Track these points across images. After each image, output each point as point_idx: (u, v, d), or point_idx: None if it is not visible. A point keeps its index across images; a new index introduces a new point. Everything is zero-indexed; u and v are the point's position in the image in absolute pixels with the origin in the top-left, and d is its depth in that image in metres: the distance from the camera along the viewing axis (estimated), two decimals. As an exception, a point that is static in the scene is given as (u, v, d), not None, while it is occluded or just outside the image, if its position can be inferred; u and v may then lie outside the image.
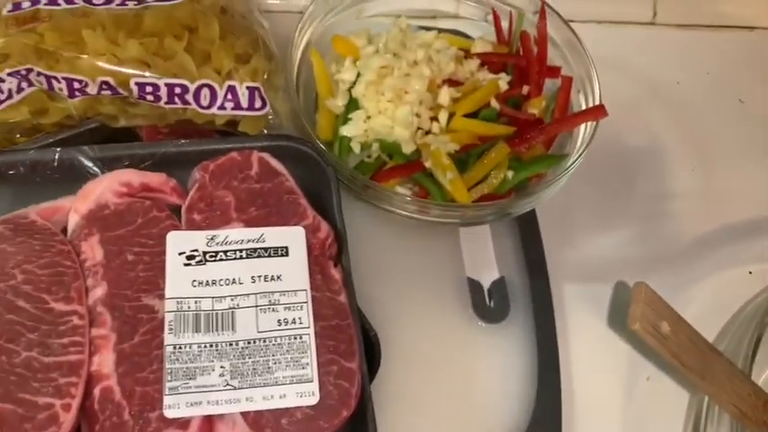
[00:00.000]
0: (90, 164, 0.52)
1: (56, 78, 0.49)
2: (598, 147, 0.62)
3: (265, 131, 0.56)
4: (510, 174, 0.60)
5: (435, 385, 0.58)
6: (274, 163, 0.53)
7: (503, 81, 0.62)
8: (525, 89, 0.63)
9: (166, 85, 0.51)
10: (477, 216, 0.57)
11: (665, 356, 0.50)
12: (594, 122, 0.60)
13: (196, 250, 0.48)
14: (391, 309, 0.59)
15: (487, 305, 0.61)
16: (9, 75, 0.49)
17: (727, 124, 0.78)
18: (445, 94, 0.59)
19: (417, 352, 0.58)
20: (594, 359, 0.62)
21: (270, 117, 0.55)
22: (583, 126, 0.62)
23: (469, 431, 0.57)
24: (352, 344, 0.47)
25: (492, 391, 0.58)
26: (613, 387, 0.61)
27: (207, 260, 0.48)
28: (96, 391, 0.43)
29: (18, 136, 0.54)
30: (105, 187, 0.49)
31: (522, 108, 0.63)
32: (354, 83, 0.61)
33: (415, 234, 0.63)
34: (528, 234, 0.65)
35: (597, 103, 0.61)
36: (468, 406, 0.57)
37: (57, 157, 0.52)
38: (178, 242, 0.48)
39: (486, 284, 0.62)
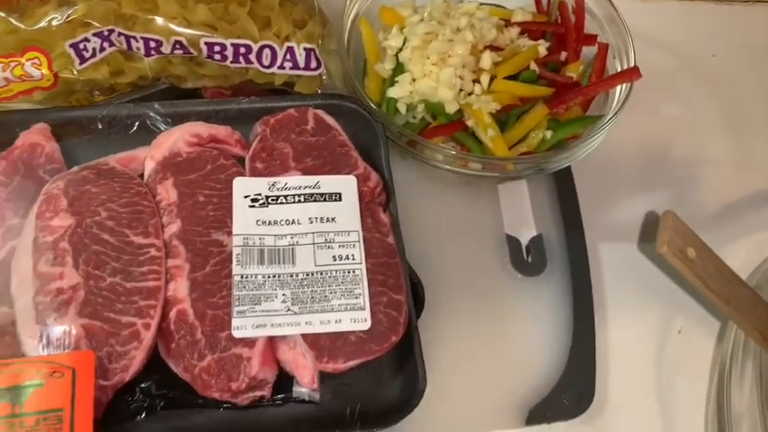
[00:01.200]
0: (160, 119, 0.58)
1: (134, 38, 0.55)
2: (634, 116, 0.65)
3: (319, 92, 0.60)
4: (548, 134, 0.63)
5: (475, 332, 0.61)
6: (328, 119, 0.57)
7: (542, 47, 0.65)
8: (563, 55, 0.67)
9: (232, 44, 0.56)
10: (515, 170, 0.60)
11: (691, 280, 0.53)
12: (629, 84, 0.63)
13: (259, 194, 0.53)
14: (433, 262, 0.62)
15: (525, 260, 0.65)
16: (93, 35, 0.54)
17: (762, 96, 0.80)
18: (487, 58, 0.63)
19: (458, 301, 0.62)
20: (628, 312, 0.64)
21: (324, 78, 0.59)
22: (618, 89, 0.65)
23: (507, 375, 0.60)
24: (400, 279, 0.52)
25: (528, 339, 0.62)
26: (646, 339, 0.64)
27: (269, 203, 0.53)
28: (172, 313, 0.48)
29: (97, 94, 0.59)
30: (178, 137, 0.54)
31: (561, 73, 0.66)
32: (401, 49, 0.65)
33: (457, 192, 0.67)
34: (565, 194, 0.68)
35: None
36: (505, 352, 0.61)
37: (131, 112, 0.57)
38: (243, 187, 0.53)
39: (524, 241, 0.66)
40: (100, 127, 0.58)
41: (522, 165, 0.60)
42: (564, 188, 0.69)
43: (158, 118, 0.58)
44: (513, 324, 0.62)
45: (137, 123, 0.58)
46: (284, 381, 0.49)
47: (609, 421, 0.59)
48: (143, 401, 0.46)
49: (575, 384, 0.59)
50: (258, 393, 0.47)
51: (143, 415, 0.46)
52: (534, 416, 0.58)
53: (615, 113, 0.62)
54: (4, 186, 0.52)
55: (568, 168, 0.68)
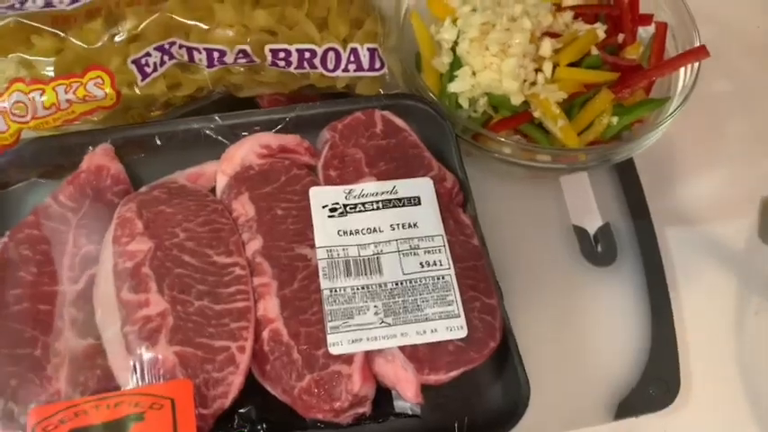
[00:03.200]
0: (222, 131, 0.56)
1: (197, 49, 0.53)
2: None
3: (381, 92, 0.59)
4: (614, 119, 0.61)
5: (552, 326, 0.60)
6: (396, 120, 0.56)
7: (600, 30, 0.63)
8: (620, 37, 0.65)
9: (297, 50, 0.54)
10: (586, 160, 0.59)
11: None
12: (697, 65, 0.61)
13: (337, 203, 0.51)
14: (503, 257, 0.60)
15: (595, 250, 0.63)
16: (155, 49, 0.52)
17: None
18: (547, 45, 0.61)
19: (532, 295, 0.61)
20: (702, 296, 0.63)
21: (387, 77, 0.58)
22: (681, 70, 0.63)
23: (589, 369, 0.59)
24: (489, 282, 0.50)
25: (607, 330, 0.60)
26: (723, 323, 0.62)
27: (347, 212, 0.51)
28: (265, 334, 0.46)
29: (153, 110, 0.57)
30: (247, 149, 0.53)
31: (620, 56, 0.64)
32: (456, 41, 0.63)
33: (520, 187, 0.66)
34: (628, 180, 0.67)
35: (695, 45, 0.63)
36: (585, 345, 0.60)
37: (191, 126, 0.56)
38: (320, 196, 0.51)
39: (591, 231, 0.64)
40: (160, 143, 0.56)
41: (593, 154, 0.58)
42: (627, 175, 0.68)
43: (220, 130, 0.56)
44: (589, 316, 0.61)
45: (198, 137, 0.56)
46: (382, 396, 0.47)
47: (697, 410, 0.58)
48: (243, 427, 0.45)
49: (660, 375, 0.58)
50: (360, 410, 0.46)
51: (249, 440, 0.45)
52: (623, 410, 0.57)
53: (686, 96, 0.60)
54: (75, 213, 0.50)
55: (630, 156, 0.66)
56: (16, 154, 0.52)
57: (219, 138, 0.56)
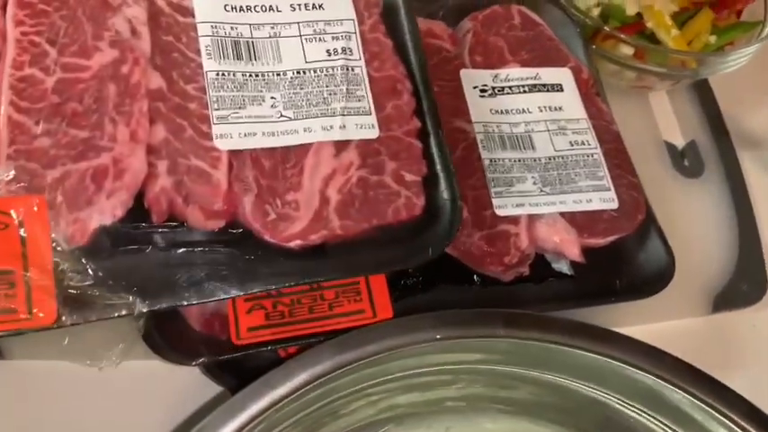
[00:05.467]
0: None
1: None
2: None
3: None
4: (713, 38, 0.65)
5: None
6: (532, 14, 0.58)
7: (706, -51, 0.67)
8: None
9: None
10: (698, 67, 0.63)
11: None
12: (790, -13, 0.66)
13: (486, 85, 0.54)
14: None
15: (683, 164, 0.68)
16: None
17: None
18: (660, -39, 0.64)
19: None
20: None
21: (516, -23, 0.60)
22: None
23: (685, 268, 0.62)
24: (630, 163, 0.54)
25: (699, 235, 0.65)
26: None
27: (496, 93, 0.54)
28: (436, 194, 0.48)
29: None
30: (400, 30, 0.54)
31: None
32: (571, -48, 0.66)
33: (617, 104, 0.69)
34: (707, 103, 0.72)
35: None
36: (681, 244, 0.62)
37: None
38: (470, 78, 0.54)
39: (679, 147, 0.69)
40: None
41: (705, 60, 0.62)
42: (706, 99, 0.72)
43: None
44: (683, 221, 0.65)
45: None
46: (537, 262, 0.50)
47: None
48: (418, 277, 0.47)
49: (749, 274, 0.63)
50: (521, 269, 0.48)
51: (422, 290, 0.47)
52: (718, 304, 0.61)
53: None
54: None
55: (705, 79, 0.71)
56: None
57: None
